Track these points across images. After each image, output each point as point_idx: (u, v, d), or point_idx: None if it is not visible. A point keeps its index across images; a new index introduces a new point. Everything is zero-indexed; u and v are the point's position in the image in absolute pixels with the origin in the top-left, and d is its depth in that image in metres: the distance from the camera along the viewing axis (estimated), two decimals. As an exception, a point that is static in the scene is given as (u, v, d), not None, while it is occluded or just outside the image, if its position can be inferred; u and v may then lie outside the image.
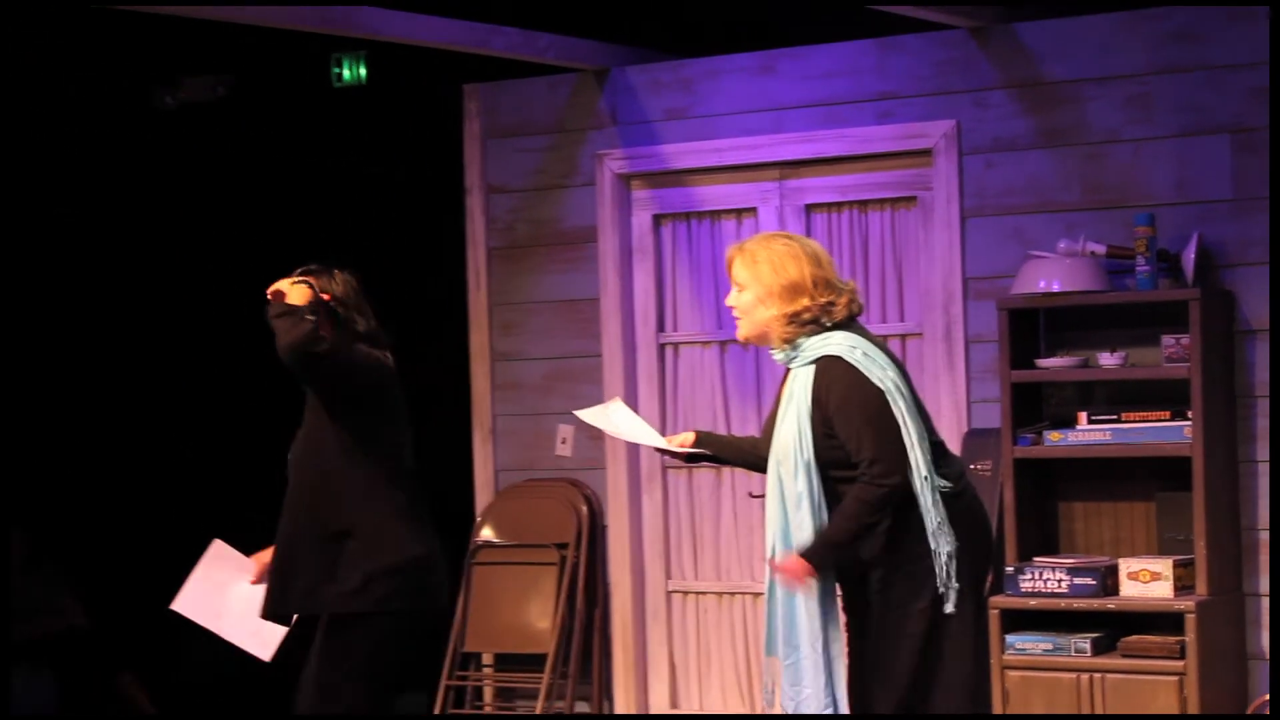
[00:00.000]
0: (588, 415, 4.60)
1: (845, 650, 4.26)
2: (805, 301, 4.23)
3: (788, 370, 4.30)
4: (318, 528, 4.54)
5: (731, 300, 4.35)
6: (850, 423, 4.16)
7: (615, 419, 4.56)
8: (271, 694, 6.83)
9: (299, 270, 4.69)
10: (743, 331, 4.34)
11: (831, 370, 4.19)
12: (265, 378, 5.30)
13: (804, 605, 4.22)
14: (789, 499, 4.22)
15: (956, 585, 4.14)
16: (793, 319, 4.23)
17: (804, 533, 4.21)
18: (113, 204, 7.70)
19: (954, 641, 4.20)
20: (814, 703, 4.22)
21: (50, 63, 7.24)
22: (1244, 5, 5.47)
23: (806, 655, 4.22)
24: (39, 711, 6.84)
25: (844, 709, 4.23)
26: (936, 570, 4.14)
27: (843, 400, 4.17)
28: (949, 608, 4.14)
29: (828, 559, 4.19)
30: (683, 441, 4.47)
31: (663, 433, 6.19)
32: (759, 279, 4.26)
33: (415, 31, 5.86)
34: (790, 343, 4.25)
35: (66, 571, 7.37)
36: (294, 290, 4.58)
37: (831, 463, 4.21)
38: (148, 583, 7.66)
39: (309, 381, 4.60)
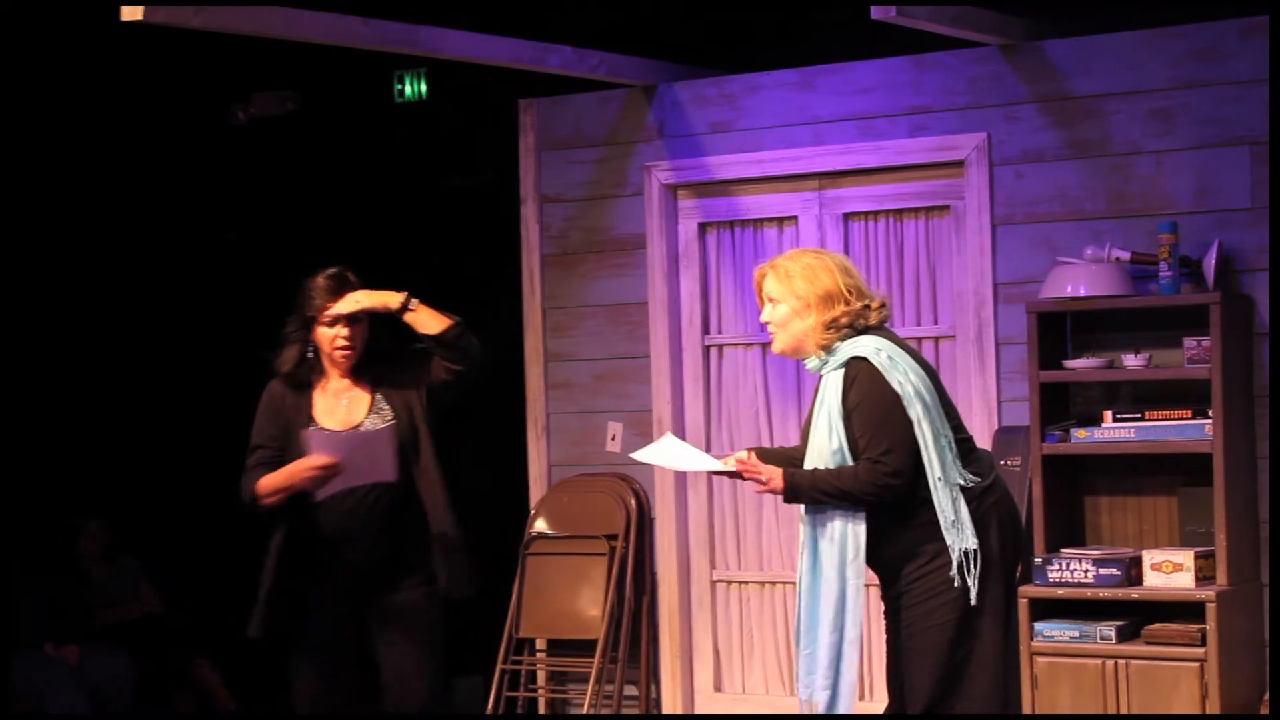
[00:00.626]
0: (645, 455, 4.67)
1: (859, 640, 4.35)
2: (841, 308, 4.35)
3: (821, 376, 4.43)
4: (452, 518, 4.75)
5: (766, 316, 4.44)
6: (864, 420, 4.27)
7: (671, 452, 4.64)
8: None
9: (335, 272, 4.72)
10: (778, 345, 4.44)
11: (856, 370, 4.31)
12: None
13: (825, 598, 4.33)
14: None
15: (975, 578, 4.23)
16: (830, 326, 4.35)
17: (835, 524, 4.32)
18: (193, 215, 7.93)
19: (983, 633, 4.29)
20: (820, 690, 4.34)
21: (128, 82, 7.50)
22: (1248, 16, 5.56)
23: (822, 644, 4.33)
24: (117, 694, 7.05)
25: (845, 697, 4.33)
26: (955, 565, 4.24)
27: (860, 398, 4.28)
28: (973, 600, 4.24)
29: (801, 497, 4.31)
30: (738, 461, 4.53)
31: (708, 446, 6.37)
32: (794, 292, 4.37)
33: (474, 50, 5.97)
34: (826, 349, 4.36)
35: (145, 561, 7.63)
36: (387, 297, 4.69)
37: None
38: (224, 573, 7.93)
39: (465, 394, 4.74)
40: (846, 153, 6.24)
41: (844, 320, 4.37)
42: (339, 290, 4.72)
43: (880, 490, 4.27)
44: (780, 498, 4.38)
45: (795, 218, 6.41)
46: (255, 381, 7.84)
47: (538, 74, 6.34)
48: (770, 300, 4.44)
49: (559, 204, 6.79)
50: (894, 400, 4.28)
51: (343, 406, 4.74)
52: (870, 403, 4.29)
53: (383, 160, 7.55)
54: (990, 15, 5.80)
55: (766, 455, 4.63)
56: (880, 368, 4.30)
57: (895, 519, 4.34)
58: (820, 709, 4.36)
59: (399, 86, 7.17)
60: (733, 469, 4.50)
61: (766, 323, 4.47)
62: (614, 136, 6.67)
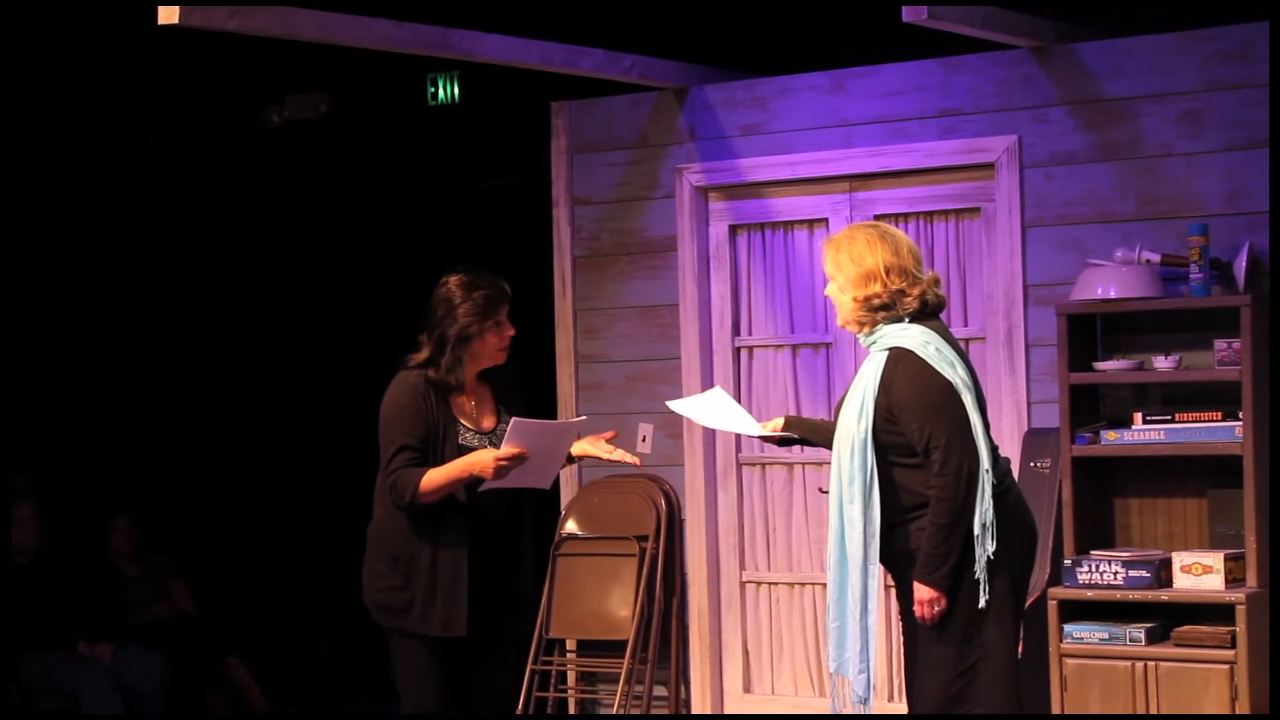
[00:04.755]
0: (679, 406, 4.75)
1: (879, 624, 4.41)
2: (877, 288, 4.35)
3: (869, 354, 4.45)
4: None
5: (826, 291, 4.51)
6: (917, 415, 4.26)
7: (713, 407, 4.69)
8: (373, 679, 7.12)
9: (480, 275, 4.72)
10: (838, 319, 4.50)
11: (902, 362, 4.30)
12: (362, 378, 5.52)
13: (854, 577, 4.36)
14: (843, 475, 4.35)
15: (986, 581, 4.25)
16: (865, 304, 4.36)
17: (854, 508, 4.33)
18: (230, 216, 8.00)
19: (994, 637, 4.31)
20: (852, 667, 4.37)
21: (164, 86, 7.57)
22: (1251, 21, 5.59)
23: (850, 623, 4.36)
24: (150, 693, 7.10)
25: (872, 681, 4.38)
26: (975, 565, 4.25)
27: (911, 393, 4.27)
28: (981, 602, 4.26)
29: (939, 574, 4.25)
30: (774, 427, 4.61)
31: (738, 448, 6.40)
32: (840, 268, 4.41)
33: (506, 53, 6.02)
34: (869, 327, 4.38)
35: (177, 559, 7.69)
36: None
37: (890, 446, 4.32)
38: (257, 572, 8.01)
39: None
40: (877, 155, 6.27)
41: (877, 302, 4.38)
42: (504, 291, 4.74)
43: (962, 487, 4.24)
44: (941, 593, 4.29)
45: (826, 220, 6.44)
46: (289, 379, 7.95)
47: (570, 76, 6.38)
48: (828, 276, 4.49)
49: (590, 206, 6.84)
50: (947, 389, 4.29)
51: (471, 406, 4.76)
52: (922, 394, 4.28)
53: (415, 163, 7.60)
54: (1021, 18, 5.82)
55: (801, 425, 4.68)
56: (929, 360, 4.30)
57: (903, 514, 4.35)
58: (858, 691, 4.39)
59: (432, 89, 7.23)
60: (767, 433, 4.58)
61: (829, 297, 4.52)
62: (645, 139, 6.72)
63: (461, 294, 4.68)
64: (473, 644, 4.70)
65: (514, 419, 4.59)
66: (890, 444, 4.34)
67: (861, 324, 4.42)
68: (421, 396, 4.66)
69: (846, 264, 4.41)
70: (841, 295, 4.44)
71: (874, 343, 4.41)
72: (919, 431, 4.28)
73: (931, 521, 4.28)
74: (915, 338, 4.34)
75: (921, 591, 4.30)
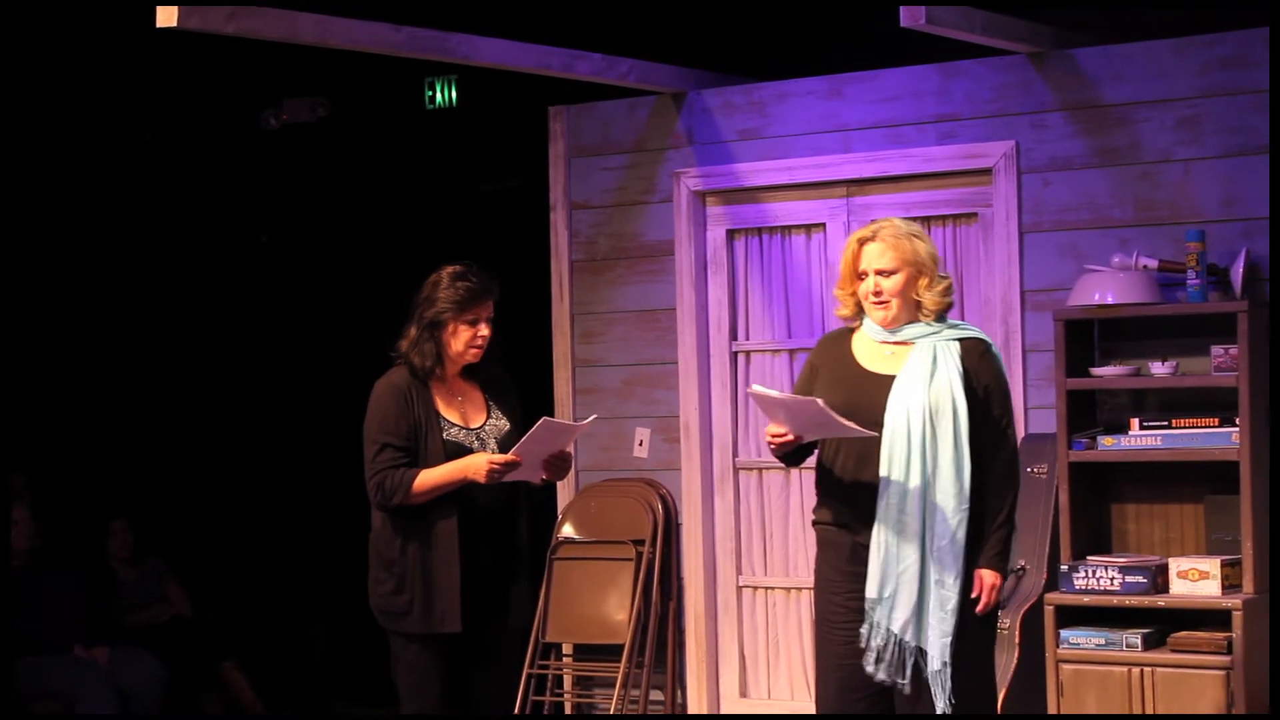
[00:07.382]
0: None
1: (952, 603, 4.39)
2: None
3: (893, 344, 4.44)
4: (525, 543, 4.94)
5: (887, 285, 4.40)
6: (1000, 403, 4.40)
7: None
8: (368, 683, 7.12)
9: (470, 270, 4.77)
10: (889, 315, 4.42)
11: (985, 353, 4.43)
12: (358, 382, 5.53)
13: (948, 545, 4.34)
14: (943, 453, 4.32)
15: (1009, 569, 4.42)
16: (944, 294, 4.46)
17: (947, 481, 4.31)
18: (227, 220, 8.01)
19: (987, 637, 4.42)
20: (937, 634, 4.32)
21: (161, 88, 7.58)
22: (1249, 27, 5.61)
23: (940, 594, 4.33)
24: (146, 696, 7.10)
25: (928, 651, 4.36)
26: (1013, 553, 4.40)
27: (997, 382, 4.42)
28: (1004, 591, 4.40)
29: (1007, 559, 4.37)
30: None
31: (735, 452, 6.43)
32: (933, 260, 4.46)
33: (504, 57, 6.03)
34: (931, 318, 4.42)
35: (173, 562, 7.70)
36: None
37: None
38: (253, 576, 8.02)
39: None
40: (874, 160, 6.28)
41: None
42: (489, 290, 4.78)
43: (1018, 469, 4.42)
44: (1000, 580, 4.37)
45: (823, 225, 6.45)
46: (285, 383, 7.96)
47: (568, 81, 6.39)
48: (880, 271, 4.40)
49: (588, 210, 6.85)
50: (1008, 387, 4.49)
51: (458, 403, 4.79)
52: (1004, 384, 4.45)
53: (413, 166, 7.62)
54: (1019, 23, 5.83)
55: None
56: (999, 357, 4.48)
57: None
58: (943, 657, 4.32)
59: (430, 93, 7.26)
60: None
61: (879, 293, 4.40)
62: (643, 143, 6.72)
63: (447, 281, 4.76)
64: (471, 642, 4.71)
65: (544, 418, 4.64)
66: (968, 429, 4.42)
67: (937, 314, 4.42)
68: (402, 395, 4.71)
69: (925, 249, 4.43)
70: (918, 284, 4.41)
71: (935, 333, 4.41)
72: (1000, 419, 4.40)
73: (1000, 509, 4.36)
74: (983, 332, 4.51)
75: (993, 578, 4.36)
